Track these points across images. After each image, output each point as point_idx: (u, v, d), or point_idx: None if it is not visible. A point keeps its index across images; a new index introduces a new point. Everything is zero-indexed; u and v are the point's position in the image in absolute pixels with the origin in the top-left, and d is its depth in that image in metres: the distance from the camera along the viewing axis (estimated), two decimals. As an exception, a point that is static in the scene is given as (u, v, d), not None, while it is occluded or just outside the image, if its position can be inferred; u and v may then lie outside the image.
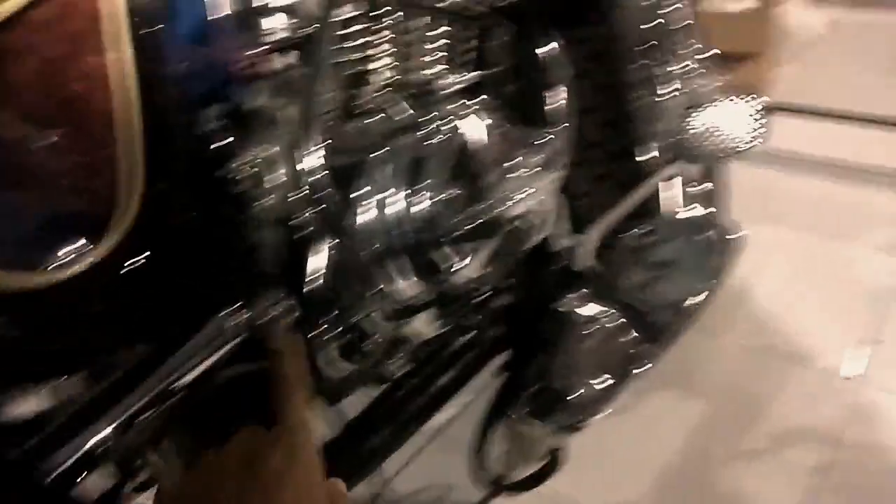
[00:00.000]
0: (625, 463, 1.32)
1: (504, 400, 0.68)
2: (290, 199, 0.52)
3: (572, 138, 0.75)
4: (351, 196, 0.54)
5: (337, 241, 0.52)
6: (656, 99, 1.03)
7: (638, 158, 0.94)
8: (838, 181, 2.12)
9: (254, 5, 0.53)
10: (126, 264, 0.44)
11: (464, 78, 0.66)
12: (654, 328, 0.70)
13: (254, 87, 0.51)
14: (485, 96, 0.68)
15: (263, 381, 0.48)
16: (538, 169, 0.69)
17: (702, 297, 0.70)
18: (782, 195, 2.03)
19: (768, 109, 0.77)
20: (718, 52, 1.23)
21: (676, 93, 1.09)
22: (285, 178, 0.53)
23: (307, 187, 0.51)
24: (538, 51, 0.75)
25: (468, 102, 0.65)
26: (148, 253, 0.45)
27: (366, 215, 0.54)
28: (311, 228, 0.51)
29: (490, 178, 0.61)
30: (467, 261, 0.60)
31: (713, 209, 1.31)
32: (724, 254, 0.73)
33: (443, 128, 0.59)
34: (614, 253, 0.82)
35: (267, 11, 0.55)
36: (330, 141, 0.55)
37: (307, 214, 0.51)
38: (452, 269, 0.57)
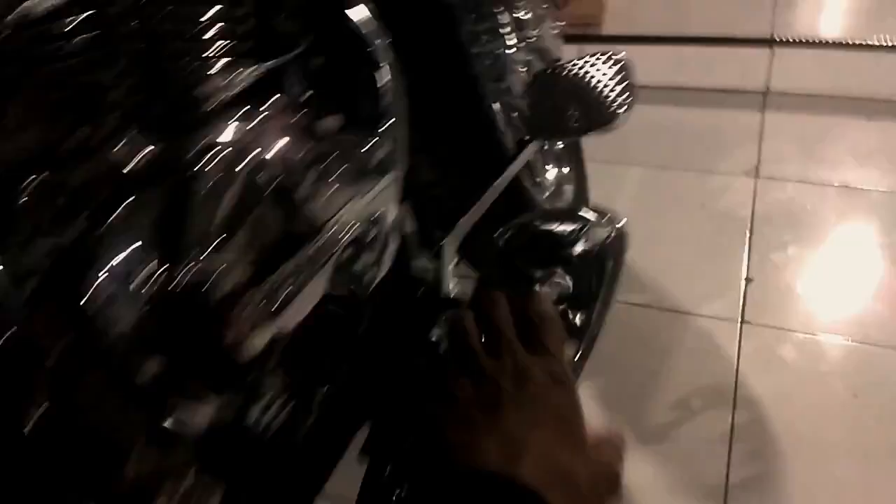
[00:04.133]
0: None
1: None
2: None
3: (406, 132, 0.58)
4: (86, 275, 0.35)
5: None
6: (505, 51, 0.87)
7: (494, 139, 0.79)
8: (689, 107, 2.05)
9: None
10: None
11: (244, 74, 0.47)
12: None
13: None
14: (278, 96, 0.49)
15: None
16: (369, 173, 0.52)
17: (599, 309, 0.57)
18: (631, 130, 1.96)
19: (628, 69, 0.64)
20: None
21: (524, 43, 0.94)
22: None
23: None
24: (349, 14, 0.55)
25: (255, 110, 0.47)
26: None
27: (99, 297, 0.35)
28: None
29: (303, 195, 0.44)
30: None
31: (567, 168, 1.18)
32: (614, 247, 0.60)
33: (211, 160, 0.41)
34: (488, 260, 0.66)
35: None
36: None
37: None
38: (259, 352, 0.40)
